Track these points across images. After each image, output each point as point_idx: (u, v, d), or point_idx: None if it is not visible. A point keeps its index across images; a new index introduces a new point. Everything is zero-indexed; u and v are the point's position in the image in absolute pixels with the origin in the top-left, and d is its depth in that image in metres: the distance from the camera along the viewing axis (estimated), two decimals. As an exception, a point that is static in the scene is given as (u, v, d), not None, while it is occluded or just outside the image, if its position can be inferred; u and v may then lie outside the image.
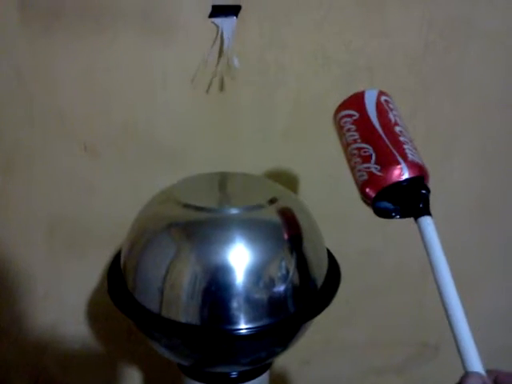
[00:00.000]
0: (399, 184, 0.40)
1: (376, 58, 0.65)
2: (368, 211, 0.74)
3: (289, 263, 0.46)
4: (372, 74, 0.66)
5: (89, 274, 0.74)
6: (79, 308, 0.76)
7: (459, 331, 0.35)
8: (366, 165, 0.41)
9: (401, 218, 0.42)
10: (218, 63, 0.63)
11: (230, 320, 0.44)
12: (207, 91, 0.65)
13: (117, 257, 0.53)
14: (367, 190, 0.41)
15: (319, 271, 0.50)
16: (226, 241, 0.45)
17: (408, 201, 0.40)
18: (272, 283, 0.45)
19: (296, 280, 0.47)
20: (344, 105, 0.45)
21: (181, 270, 0.45)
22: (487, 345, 0.46)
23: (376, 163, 0.41)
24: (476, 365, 0.34)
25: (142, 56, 0.63)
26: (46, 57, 0.63)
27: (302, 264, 0.47)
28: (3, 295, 0.75)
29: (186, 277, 0.44)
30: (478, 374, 0.33)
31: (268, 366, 0.54)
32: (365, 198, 0.42)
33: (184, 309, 0.44)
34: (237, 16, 0.61)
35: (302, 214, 0.51)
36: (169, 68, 0.64)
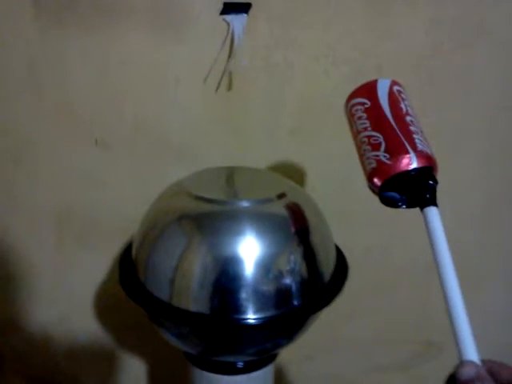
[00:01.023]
0: (407, 173, 0.40)
1: (384, 58, 0.66)
2: (375, 208, 0.74)
3: (297, 256, 0.47)
4: (380, 73, 0.67)
5: (97, 267, 0.75)
6: (87, 300, 0.77)
7: (457, 320, 0.35)
8: (375, 153, 0.41)
9: (407, 207, 0.42)
10: (228, 61, 0.64)
11: (239, 310, 0.45)
12: (217, 88, 0.66)
13: (128, 248, 0.54)
14: (375, 177, 0.41)
15: (327, 266, 0.51)
16: (236, 233, 0.46)
17: (415, 191, 0.40)
18: (280, 275, 0.46)
19: (304, 273, 0.48)
20: (356, 93, 0.45)
21: (192, 261, 0.46)
22: (489, 342, 0.46)
23: (385, 151, 0.41)
24: (471, 354, 0.34)
25: (153, 52, 0.64)
26: (58, 50, 0.64)
27: (310, 258, 0.48)
28: (12, 287, 0.76)
29: (197, 267, 0.45)
30: (472, 362, 0.33)
31: (273, 358, 0.55)
32: (372, 185, 0.42)
33: (194, 298, 0.45)
34: (247, 13, 0.62)
35: (311, 209, 0.52)
36: (180, 64, 0.65)
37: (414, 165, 0.40)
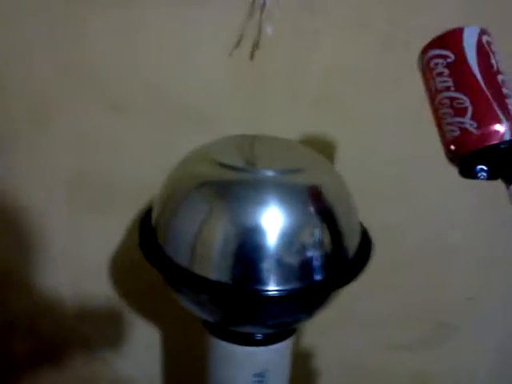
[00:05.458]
0: (497, 146, 0.35)
1: (415, 32, 0.63)
2: (395, 185, 0.72)
3: (321, 230, 0.46)
4: (408, 48, 0.64)
5: (110, 231, 0.74)
6: (100, 264, 0.77)
7: None
8: (459, 119, 0.36)
9: (488, 179, 0.37)
10: (253, 26, 0.61)
11: (260, 280, 0.44)
12: (240, 54, 0.63)
13: (148, 212, 0.53)
14: (459, 148, 0.36)
15: (351, 242, 0.49)
16: (260, 202, 0.45)
17: (502, 165, 0.36)
18: (303, 248, 0.45)
19: (327, 247, 0.46)
20: (437, 42, 0.38)
21: (213, 229, 0.44)
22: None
23: (472, 118, 0.35)
24: None
25: (174, 15, 0.62)
26: (78, 13, 0.62)
27: (334, 232, 0.47)
28: (25, 249, 0.76)
29: (218, 235, 0.44)
30: None
31: (292, 332, 0.54)
32: (452, 156, 0.37)
33: (214, 266, 0.44)
34: (276, -22, 0.59)
35: (337, 182, 0.51)
36: (202, 28, 0.63)
37: (508, 136, 0.35)
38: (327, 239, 0.46)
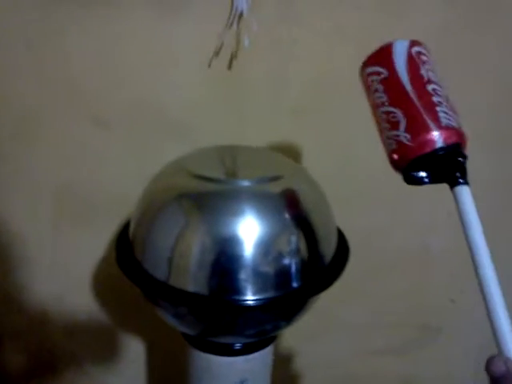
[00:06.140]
0: (433, 153, 0.36)
1: (392, 38, 0.64)
2: (375, 192, 0.73)
3: (297, 238, 0.46)
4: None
5: (95, 244, 0.74)
6: (85, 278, 0.77)
7: (495, 312, 0.33)
8: (394, 132, 0.37)
9: (433, 183, 0.38)
10: (230, 37, 0.62)
11: (238, 291, 0.44)
12: (219, 66, 0.64)
13: (125, 226, 0.53)
14: (397, 159, 0.38)
15: (328, 248, 0.50)
16: (236, 213, 0.45)
17: (443, 169, 0.37)
18: (280, 256, 0.46)
19: (304, 255, 0.47)
20: (371, 59, 0.40)
21: (190, 240, 0.45)
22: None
23: (406, 131, 0.37)
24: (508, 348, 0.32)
25: (154, 29, 0.62)
26: (57, 28, 0.62)
27: (311, 239, 0.47)
28: (10, 264, 0.75)
29: (195, 247, 0.44)
30: (500, 358, 0.31)
31: (272, 340, 0.54)
32: (394, 166, 0.39)
33: (192, 278, 0.44)
34: (252, -12, 0.60)
35: (314, 190, 0.51)
36: (181, 41, 0.63)
37: (439, 144, 0.36)
38: (304, 247, 0.47)
